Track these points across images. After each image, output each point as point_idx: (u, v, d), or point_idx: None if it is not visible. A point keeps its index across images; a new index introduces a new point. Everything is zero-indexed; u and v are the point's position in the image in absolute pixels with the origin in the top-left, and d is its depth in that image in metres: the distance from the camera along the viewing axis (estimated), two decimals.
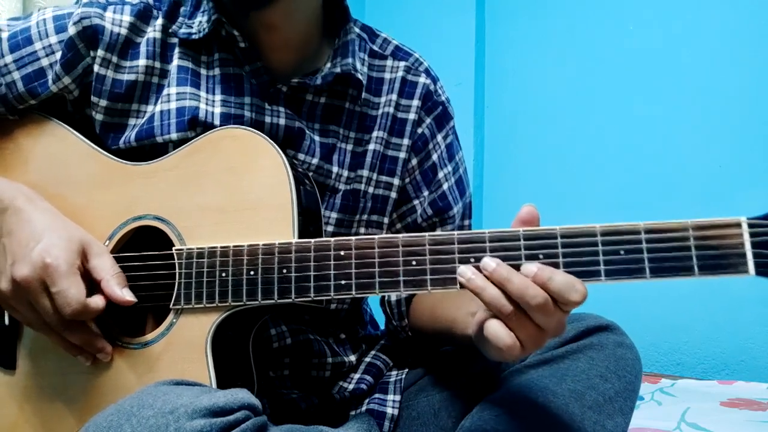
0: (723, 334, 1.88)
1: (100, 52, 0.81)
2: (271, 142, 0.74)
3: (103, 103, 0.81)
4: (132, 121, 0.82)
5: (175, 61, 0.82)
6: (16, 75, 0.81)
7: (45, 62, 0.81)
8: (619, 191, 2.06)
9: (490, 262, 0.61)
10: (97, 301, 0.70)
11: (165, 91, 0.82)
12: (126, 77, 0.82)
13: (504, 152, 2.30)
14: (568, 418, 0.73)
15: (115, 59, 0.81)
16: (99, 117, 0.82)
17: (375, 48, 0.92)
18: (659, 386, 1.67)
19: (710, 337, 1.90)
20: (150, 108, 0.82)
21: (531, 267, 0.60)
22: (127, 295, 0.71)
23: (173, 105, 0.81)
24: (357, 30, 0.90)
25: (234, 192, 0.73)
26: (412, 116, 0.91)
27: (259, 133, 0.74)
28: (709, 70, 1.95)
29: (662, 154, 2.01)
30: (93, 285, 0.72)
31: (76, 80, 0.81)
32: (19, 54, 0.81)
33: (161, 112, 0.81)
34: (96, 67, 0.81)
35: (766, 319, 1.81)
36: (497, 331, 0.60)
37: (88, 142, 0.81)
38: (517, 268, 0.61)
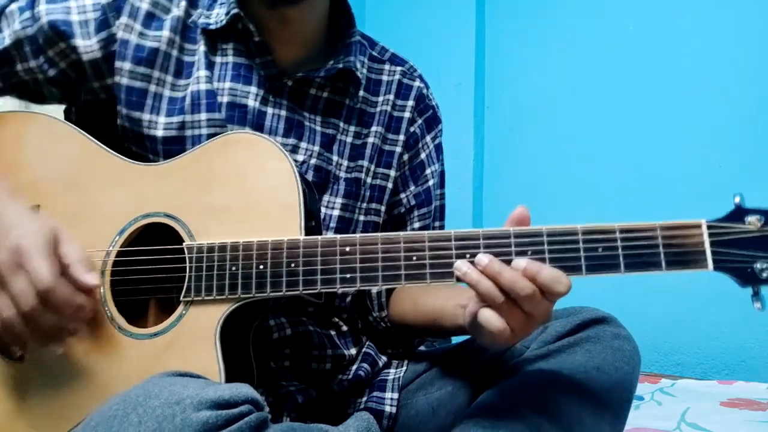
0: (723, 334, 1.88)
1: (123, 19, 0.86)
2: (280, 146, 0.77)
3: (127, 66, 0.86)
4: (153, 88, 0.86)
5: (202, 46, 0.88)
6: (45, 19, 0.85)
7: (75, 18, 0.86)
8: (618, 191, 2.06)
9: (483, 257, 0.67)
10: (68, 286, 0.70)
11: (196, 74, 0.87)
12: (149, 44, 0.86)
13: (504, 152, 2.30)
14: (566, 410, 0.73)
15: (138, 27, 0.87)
16: (124, 81, 0.86)
17: (374, 53, 0.99)
18: (659, 386, 1.67)
19: (710, 337, 1.90)
20: (170, 78, 0.87)
21: (521, 262, 0.66)
22: (90, 280, 0.71)
23: (203, 87, 0.86)
24: (358, 37, 0.95)
25: (243, 193, 0.76)
26: (407, 115, 0.97)
27: (269, 138, 0.78)
28: (709, 70, 1.95)
29: (662, 154, 2.01)
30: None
31: (101, 41, 0.86)
32: (54, 5, 0.86)
33: (192, 93, 0.86)
34: (120, 33, 0.86)
35: (766, 319, 1.81)
36: (490, 318, 0.67)
37: (98, 142, 0.84)
38: (509, 263, 0.67)
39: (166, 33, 0.87)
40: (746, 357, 1.85)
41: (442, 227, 1.04)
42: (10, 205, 0.76)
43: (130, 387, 0.62)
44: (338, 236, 0.72)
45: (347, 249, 0.71)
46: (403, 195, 0.98)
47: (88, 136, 0.84)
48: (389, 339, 0.99)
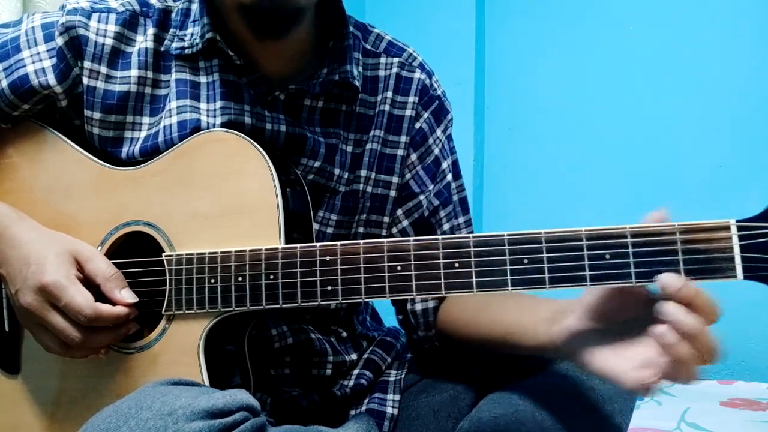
0: (723, 334, 1.88)
1: (86, 64, 0.80)
2: (256, 144, 0.73)
3: (97, 115, 0.80)
4: (129, 134, 0.81)
5: (174, 74, 0.82)
6: (5, 83, 0.80)
7: (31, 68, 0.80)
8: (618, 191, 2.06)
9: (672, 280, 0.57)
10: (108, 307, 0.71)
11: (167, 106, 0.81)
12: (118, 88, 0.80)
13: (504, 152, 2.30)
14: (568, 419, 0.73)
15: (104, 70, 0.80)
16: (95, 131, 0.81)
17: (368, 46, 0.91)
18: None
19: None
20: (146, 120, 0.81)
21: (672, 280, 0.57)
22: (126, 297, 0.72)
23: (174, 119, 0.80)
24: (351, 29, 0.88)
25: (220, 196, 0.73)
26: (408, 112, 0.90)
27: (244, 135, 0.74)
28: (708, 69, 1.95)
29: (661, 153, 2.01)
30: (98, 292, 0.72)
31: (66, 90, 0.80)
32: (8, 62, 0.81)
33: (164, 127, 0.80)
34: (85, 80, 0.80)
35: (766, 319, 1.81)
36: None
37: (78, 147, 0.81)
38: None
39: (134, 72, 0.80)
40: (746, 357, 1.85)
41: (468, 222, 0.96)
42: (18, 234, 0.74)
43: (122, 398, 0.62)
44: (318, 245, 0.68)
45: (327, 259, 0.67)
46: (422, 197, 0.90)
47: (69, 141, 0.81)
48: (432, 357, 0.93)
